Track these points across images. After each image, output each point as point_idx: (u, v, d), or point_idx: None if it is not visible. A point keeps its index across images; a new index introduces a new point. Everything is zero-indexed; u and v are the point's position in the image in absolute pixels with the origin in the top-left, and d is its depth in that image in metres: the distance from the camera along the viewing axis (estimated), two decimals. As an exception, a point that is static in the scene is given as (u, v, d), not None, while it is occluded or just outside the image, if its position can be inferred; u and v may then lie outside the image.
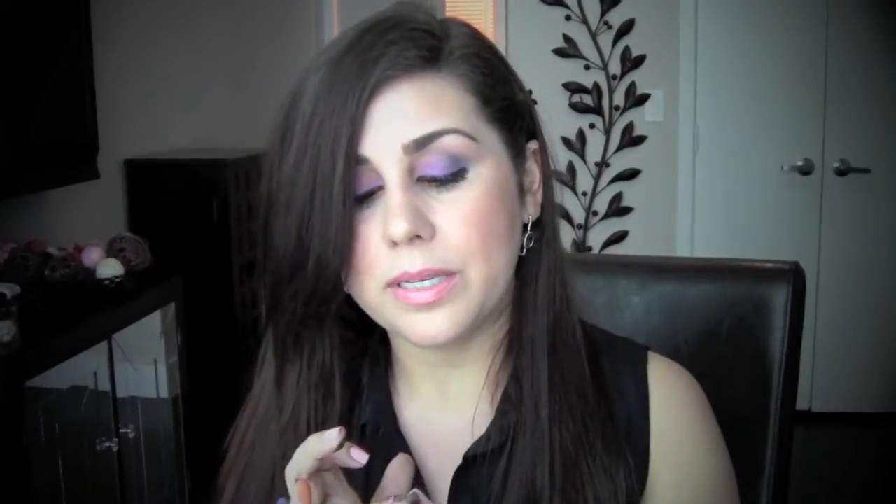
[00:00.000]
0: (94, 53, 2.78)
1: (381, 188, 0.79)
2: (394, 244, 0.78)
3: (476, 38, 0.85)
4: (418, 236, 0.78)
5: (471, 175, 0.80)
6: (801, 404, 4.00)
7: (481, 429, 0.87)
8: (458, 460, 0.87)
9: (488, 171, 0.81)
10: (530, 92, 0.91)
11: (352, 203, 0.78)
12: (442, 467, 0.88)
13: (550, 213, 0.89)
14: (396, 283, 0.80)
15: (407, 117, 0.79)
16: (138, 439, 2.67)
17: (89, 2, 2.74)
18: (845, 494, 3.84)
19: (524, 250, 0.87)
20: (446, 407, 0.91)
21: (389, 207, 0.78)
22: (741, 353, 1.17)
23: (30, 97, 2.50)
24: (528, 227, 0.87)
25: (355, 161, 0.78)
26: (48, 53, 2.58)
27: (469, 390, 0.90)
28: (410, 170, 0.79)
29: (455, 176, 0.80)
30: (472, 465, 0.86)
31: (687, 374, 0.93)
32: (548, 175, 0.90)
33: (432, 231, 0.79)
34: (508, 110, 0.85)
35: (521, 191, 0.87)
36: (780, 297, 1.16)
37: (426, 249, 0.78)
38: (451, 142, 0.79)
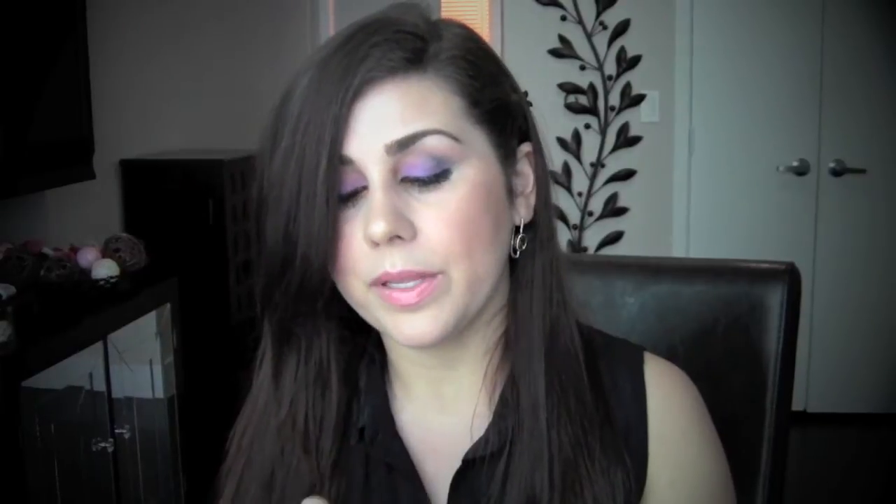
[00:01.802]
0: (90, 54, 2.78)
1: (365, 188, 0.80)
2: (375, 244, 0.78)
3: (468, 39, 0.85)
4: (399, 237, 0.78)
5: (454, 176, 0.80)
6: (797, 405, 4.00)
7: (479, 431, 0.87)
8: (456, 463, 0.86)
9: (473, 172, 0.81)
10: (526, 94, 0.90)
11: (335, 202, 0.79)
12: (440, 470, 0.88)
13: (545, 216, 0.89)
14: (380, 283, 0.80)
15: (390, 118, 0.79)
16: (134, 440, 2.67)
17: (85, 3, 2.74)
18: (841, 495, 3.84)
19: (517, 252, 0.87)
20: (443, 409, 0.91)
21: (370, 208, 0.78)
22: (737, 353, 1.17)
23: (26, 98, 2.50)
24: (521, 230, 0.87)
25: (339, 161, 0.79)
26: (44, 54, 2.58)
27: (465, 392, 0.90)
28: (394, 170, 0.79)
29: (438, 177, 0.80)
30: (471, 468, 0.86)
31: (683, 375, 0.93)
32: (542, 177, 0.89)
33: (413, 232, 0.79)
34: (498, 112, 0.85)
35: (511, 193, 0.86)
36: (775, 298, 1.16)
37: (406, 250, 0.79)
38: (434, 143, 0.79)
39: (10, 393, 2.07)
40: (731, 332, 1.17)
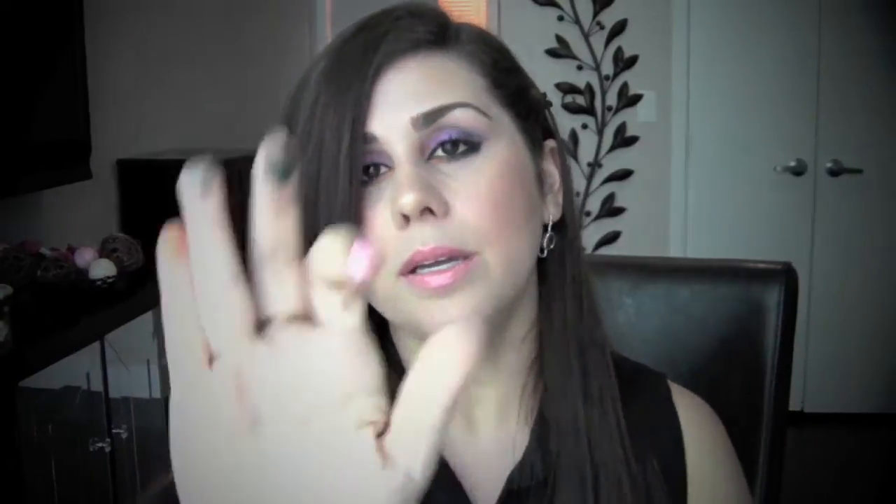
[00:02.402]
0: (88, 54, 2.78)
1: (389, 169, 0.75)
2: (404, 221, 0.72)
3: (486, 32, 0.84)
4: (430, 211, 0.72)
5: (485, 151, 0.76)
6: (794, 405, 3.99)
7: (518, 454, 0.83)
8: (493, 486, 0.83)
9: (504, 150, 0.77)
10: (544, 95, 0.88)
11: (358, 181, 0.74)
12: (476, 492, 0.83)
13: (572, 217, 0.85)
14: (410, 270, 0.73)
15: (415, 92, 0.75)
16: (131, 440, 2.66)
17: (83, 4, 2.74)
18: (838, 495, 3.84)
19: (545, 252, 0.83)
20: (470, 430, 0.86)
21: (398, 182, 0.73)
22: (734, 353, 1.17)
23: (23, 98, 2.50)
24: (549, 228, 0.83)
25: (362, 139, 0.74)
26: (42, 55, 2.58)
27: (494, 413, 0.85)
28: (421, 147, 0.75)
29: (468, 152, 0.75)
30: (515, 497, 0.82)
31: (710, 409, 0.92)
32: (567, 177, 0.86)
33: (445, 207, 0.73)
34: (521, 97, 0.82)
35: (541, 186, 0.83)
36: (772, 298, 1.16)
37: (439, 227, 0.73)
38: (462, 115, 0.75)
39: (6, 393, 2.06)
40: (728, 332, 1.17)
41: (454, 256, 0.74)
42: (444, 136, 0.75)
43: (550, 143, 0.86)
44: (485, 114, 0.77)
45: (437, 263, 0.73)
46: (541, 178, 0.83)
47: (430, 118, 0.75)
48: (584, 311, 0.85)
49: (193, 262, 0.43)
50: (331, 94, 0.75)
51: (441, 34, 0.79)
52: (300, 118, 0.77)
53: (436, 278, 0.73)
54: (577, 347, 0.83)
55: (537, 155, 0.83)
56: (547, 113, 0.86)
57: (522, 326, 0.84)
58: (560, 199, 0.85)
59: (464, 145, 0.76)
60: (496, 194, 0.75)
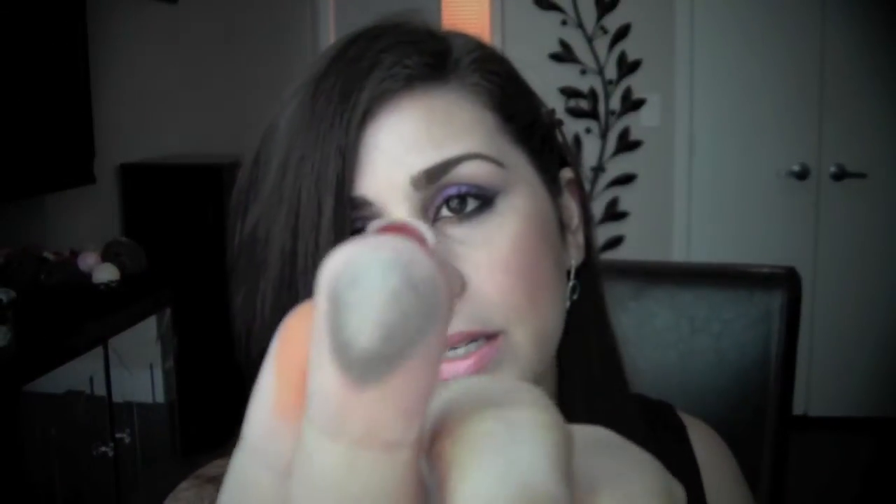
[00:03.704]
0: (90, 58, 2.78)
1: None
2: None
3: (482, 45, 0.71)
4: None
5: (502, 208, 0.64)
6: (797, 409, 3.99)
7: None
8: None
9: (523, 202, 0.65)
10: (553, 111, 0.77)
11: None
12: None
13: (595, 258, 0.76)
14: None
15: (414, 142, 0.63)
16: (134, 444, 2.66)
17: (85, 7, 2.74)
18: (842, 499, 3.83)
19: (568, 304, 0.72)
20: None
21: None
22: (737, 357, 1.17)
23: (26, 102, 2.50)
24: (571, 275, 0.73)
25: (350, 204, 0.62)
26: (45, 58, 2.58)
27: None
28: (424, 209, 0.63)
29: (480, 207, 0.64)
30: None
31: (717, 435, 0.89)
32: (587, 209, 0.75)
33: (462, 284, 0.62)
34: (535, 129, 0.70)
35: (562, 229, 0.72)
36: (776, 302, 1.16)
37: (457, 308, 0.61)
38: (474, 170, 0.63)
39: (10, 397, 2.06)
40: (732, 336, 1.17)
41: (475, 338, 0.63)
42: (452, 191, 0.64)
43: (567, 174, 0.75)
44: (499, 163, 0.65)
45: (454, 348, 0.62)
46: (561, 220, 0.72)
47: (434, 175, 0.63)
48: (605, 364, 0.77)
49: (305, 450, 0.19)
50: (306, 145, 0.63)
51: (439, 64, 0.66)
52: (268, 174, 0.65)
53: (453, 367, 0.62)
54: (600, 400, 0.76)
55: (556, 193, 0.72)
56: (559, 133, 0.76)
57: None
58: (580, 238, 0.75)
59: (474, 200, 0.64)
60: (520, 259, 0.64)
